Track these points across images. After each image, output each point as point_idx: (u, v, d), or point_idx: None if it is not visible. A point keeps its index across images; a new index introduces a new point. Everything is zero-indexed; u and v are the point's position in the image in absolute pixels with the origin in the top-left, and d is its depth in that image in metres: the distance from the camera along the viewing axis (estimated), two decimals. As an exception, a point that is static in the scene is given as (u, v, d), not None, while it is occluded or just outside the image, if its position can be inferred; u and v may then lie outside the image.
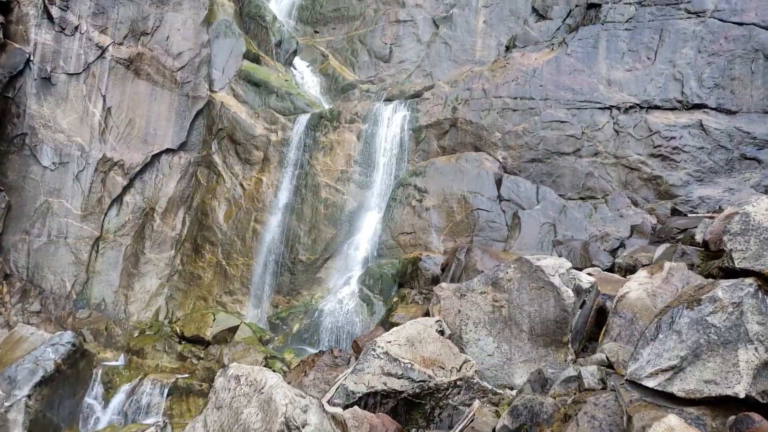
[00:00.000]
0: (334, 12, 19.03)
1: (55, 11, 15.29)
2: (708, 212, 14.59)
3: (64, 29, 15.27)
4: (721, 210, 13.83)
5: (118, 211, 15.34)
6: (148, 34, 16.06)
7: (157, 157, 15.98)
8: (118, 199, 15.53)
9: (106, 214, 15.16)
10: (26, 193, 14.84)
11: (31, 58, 15.15)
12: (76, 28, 15.38)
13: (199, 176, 16.31)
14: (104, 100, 15.60)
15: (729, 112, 15.48)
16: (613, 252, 14.99)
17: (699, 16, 16.89)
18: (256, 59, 17.33)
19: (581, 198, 15.45)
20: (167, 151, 16.09)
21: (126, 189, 15.58)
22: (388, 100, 17.07)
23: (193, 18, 16.45)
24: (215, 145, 16.35)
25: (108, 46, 15.66)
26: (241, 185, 16.01)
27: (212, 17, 16.90)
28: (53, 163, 14.97)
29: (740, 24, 16.15)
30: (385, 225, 14.97)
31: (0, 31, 14.87)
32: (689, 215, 14.80)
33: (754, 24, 16.09)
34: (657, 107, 16.22)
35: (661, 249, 12.37)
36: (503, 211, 15.15)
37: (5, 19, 15.05)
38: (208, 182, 16.21)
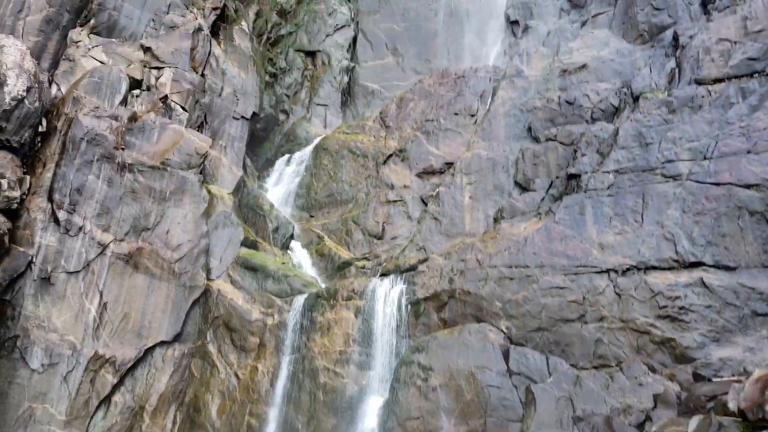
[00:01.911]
0: (327, 198, 19.06)
1: (62, 215, 15.07)
2: (733, 375, 12.79)
3: (68, 231, 14.84)
4: (746, 372, 12.12)
5: (105, 413, 13.68)
6: (149, 229, 15.71)
7: (150, 350, 14.74)
8: (107, 400, 13.89)
9: (91, 418, 13.38)
10: (10, 401, 13.26)
11: (34, 260, 14.49)
12: (80, 228, 15.00)
13: (192, 368, 14.92)
14: (101, 295, 14.72)
15: (728, 269, 14.42)
16: (640, 426, 12.95)
17: (676, 179, 16.48)
18: (253, 245, 16.84)
19: (594, 367, 13.81)
20: (161, 343, 14.88)
21: (115, 388, 14.11)
22: (384, 275, 16.35)
23: (193, 211, 16.24)
24: (210, 333, 15.18)
25: (109, 243, 15.13)
26: (236, 375, 14.54)
27: (212, 210, 16.72)
28: (42, 365, 13.62)
29: (717, 184, 15.61)
30: (389, 410, 13.13)
31: (6, 237, 14.25)
32: (714, 380, 12.93)
33: (730, 183, 15.50)
34: (654, 267, 15.28)
35: (694, 422, 10.56)
36: (515, 386, 13.43)
37: (12, 225, 14.61)
38: (201, 374, 14.74)
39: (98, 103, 17.05)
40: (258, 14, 24.01)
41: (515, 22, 23.54)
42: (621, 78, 18.66)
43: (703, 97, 17.00)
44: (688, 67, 17.76)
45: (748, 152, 15.62)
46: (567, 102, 18.71)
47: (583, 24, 21.27)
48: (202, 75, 19.49)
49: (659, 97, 17.57)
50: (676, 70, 18.15)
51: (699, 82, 17.32)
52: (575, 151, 17.89)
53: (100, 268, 15.01)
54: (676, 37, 18.64)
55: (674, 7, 19.56)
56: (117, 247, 15.45)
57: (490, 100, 19.84)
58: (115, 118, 16.99)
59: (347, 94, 24.23)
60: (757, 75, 16.67)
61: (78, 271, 14.91)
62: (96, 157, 16.23)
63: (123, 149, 16.61)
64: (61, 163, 15.82)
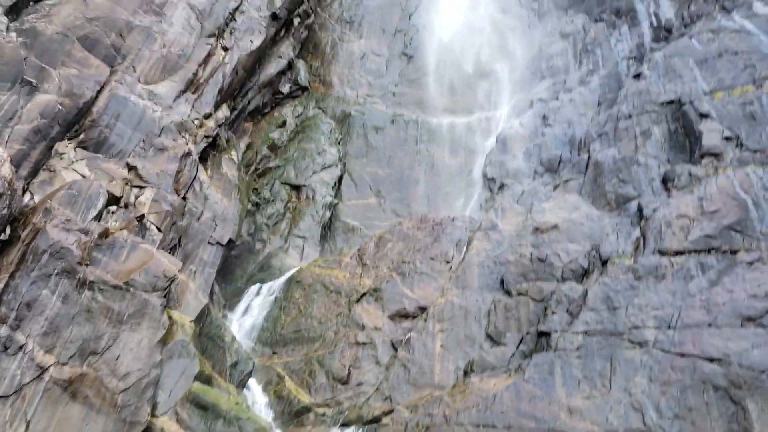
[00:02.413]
0: (294, 333, 18.28)
1: (3, 330, 13.69)
2: None
3: (7, 349, 13.49)
4: None
5: None
6: (97, 353, 14.51)
7: (71, 497, 12.59)
8: None
9: None
10: None
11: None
12: (21, 347, 13.65)
13: None
14: (27, 426, 12.96)
15: (696, 445, 13.71)
16: None
17: (642, 346, 16.49)
18: (208, 380, 15.66)
19: None
20: (85, 489, 12.78)
21: None
22: (345, 425, 15.03)
23: (150, 338, 15.17)
24: (145, 482, 13.25)
25: (50, 366, 13.73)
26: None
27: (169, 337, 15.71)
28: None
29: (682, 355, 15.56)
30: None
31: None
32: None
33: (694, 356, 15.45)
34: None
35: None
36: None
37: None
38: None
39: (71, 216, 16.49)
40: (249, 146, 24.81)
41: (492, 179, 24.72)
42: (590, 241, 19.23)
43: (666, 267, 17.56)
44: (652, 238, 18.50)
45: (709, 325, 15.89)
46: (539, 259, 19.02)
47: (556, 187, 22.41)
48: (184, 198, 19.38)
49: (626, 264, 18.08)
50: (641, 239, 18.89)
51: (662, 253, 17.98)
52: (546, 308, 17.88)
53: (32, 395, 13.42)
54: (640, 209, 19.67)
55: (638, 182, 20.83)
56: (57, 372, 13.99)
57: (465, 249, 20.10)
58: (86, 232, 16.35)
59: (327, 229, 24.40)
60: (714, 251, 17.42)
61: (7, 396, 13.28)
62: (56, 271, 15.29)
63: (87, 265, 15.77)
64: (16, 275, 14.80)
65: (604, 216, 20.05)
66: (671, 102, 22.37)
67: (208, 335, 17.25)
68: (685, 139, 21.44)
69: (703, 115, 21.12)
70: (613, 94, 25.06)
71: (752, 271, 16.56)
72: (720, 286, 16.65)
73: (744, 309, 15.55)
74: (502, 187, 23.88)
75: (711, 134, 20.55)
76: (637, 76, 24.24)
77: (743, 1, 25.18)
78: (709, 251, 17.55)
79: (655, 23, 27.71)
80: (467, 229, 20.71)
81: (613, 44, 27.62)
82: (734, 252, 17.08)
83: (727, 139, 20.38)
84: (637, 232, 19.32)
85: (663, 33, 27.05)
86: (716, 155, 20.15)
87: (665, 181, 20.59)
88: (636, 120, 22.41)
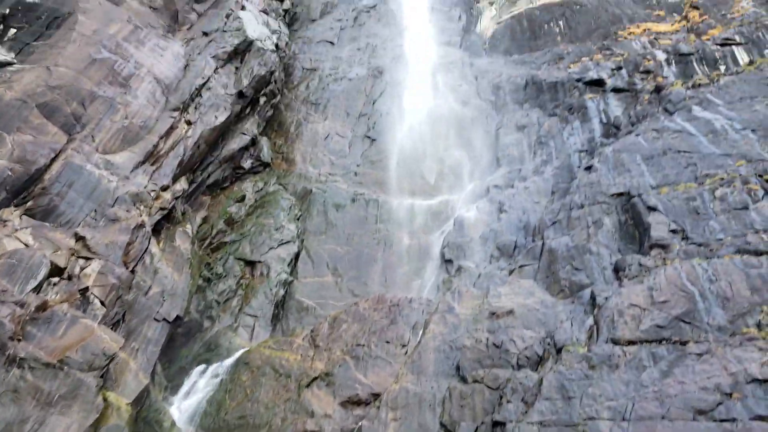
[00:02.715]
0: (239, 419, 17.47)
1: None
2: None
3: None
4: None
5: None
6: (19, 439, 13.29)
7: None
8: None
9: None
10: None
11: None
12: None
13: None
14: None
15: None
16: None
17: None
18: (142, 472, 14.45)
19: None
20: None
21: None
22: None
23: (80, 422, 14.34)
24: None
25: (-36, 454, 12.61)
26: None
27: (103, 421, 14.90)
28: None
29: None
30: None
31: None
32: None
33: None
34: None
35: None
36: None
37: None
38: None
39: (7, 287, 15.87)
40: (205, 219, 24.68)
41: (449, 261, 25.19)
42: (545, 328, 19.53)
43: (619, 356, 17.87)
44: (605, 326, 18.92)
45: (663, 418, 16.07)
46: (495, 345, 19.12)
47: (511, 272, 22.97)
48: (133, 271, 18.92)
49: (580, 352, 18.33)
50: (595, 327, 19.31)
51: (615, 342, 18.36)
52: (501, 397, 17.75)
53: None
54: (593, 297, 20.25)
55: (591, 270, 21.57)
56: (-29, 460, 12.91)
57: (422, 332, 20.03)
58: (22, 305, 15.69)
59: (280, 307, 23.94)
60: (665, 342, 17.92)
61: None
62: (-16, 346, 14.47)
63: (20, 340, 15.00)
64: (-59, 351, 13.95)
65: (558, 303, 20.53)
66: (621, 194, 23.69)
67: (146, 420, 16.28)
68: (635, 230, 22.52)
69: (651, 208, 22.33)
70: (566, 184, 26.45)
71: (701, 363, 16.95)
72: (671, 377, 16.95)
73: (695, 401, 15.85)
74: (459, 269, 24.30)
75: (659, 226, 21.68)
76: (589, 168, 25.77)
77: (683, 105, 27.55)
78: (660, 341, 18.03)
79: (604, 120, 29.90)
80: (424, 312, 20.76)
81: (565, 137, 29.51)
82: (684, 343, 17.58)
83: (674, 231, 21.52)
84: (590, 321, 19.76)
85: (612, 129, 29.16)
86: (664, 247, 21.14)
87: (617, 270, 21.38)
88: (588, 210, 23.58)
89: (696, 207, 21.91)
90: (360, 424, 17.20)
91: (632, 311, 19.06)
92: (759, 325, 17.38)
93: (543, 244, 23.23)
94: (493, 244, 24.74)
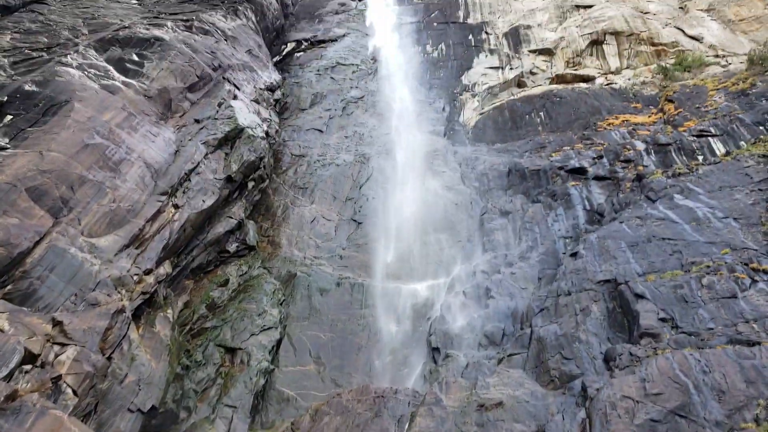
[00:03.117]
0: None
1: None
2: None
3: None
4: None
5: None
6: None
7: None
8: None
9: None
10: None
11: None
12: None
13: None
14: None
15: None
16: None
17: None
18: None
19: None
20: None
21: None
22: None
23: None
24: None
25: None
26: None
27: None
28: None
29: None
30: None
31: None
32: None
33: None
34: None
35: None
36: None
37: None
38: None
39: (-23, 375, 15.51)
40: (187, 304, 24.58)
41: (436, 349, 25.02)
42: (536, 421, 19.16)
43: (615, 454, 17.35)
44: (598, 420, 18.58)
45: None
46: (483, 443, 18.65)
47: (500, 361, 22.81)
48: (109, 358, 18.61)
49: (573, 452, 17.84)
50: (587, 421, 18.93)
51: (609, 437, 17.89)
52: None
53: None
54: (584, 388, 20.02)
55: (581, 359, 21.49)
56: None
57: (407, 426, 19.52)
58: (-9, 393, 15.26)
59: (260, 398, 23.30)
60: (663, 446, 17.48)
61: None
62: (-54, 439, 13.95)
63: (-16, 433, 14.49)
64: None
65: (549, 394, 20.25)
66: (608, 281, 24.03)
67: None
68: (624, 318, 22.61)
69: (639, 296, 22.57)
70: (552, 270, 26.90)
71: None
72: None
73: None
74: (446, 357, 24.09)
75: (647, 314, 21.82)
76: (574, 254, 26.34)
77: (665, 193, 28.62)
78: (656, 441, 17.66)
79: (588, 207, 30.91)
80: (410, 404, 20.33)
81: (550, 224, 30.34)
82: (682, 448, 17.29)
83: (663, 320, 21.65)
84: (582, 413, 19.40)
85: (596, 216, 30.08)
86: (654, 336, 21.18)
87: (607, 360, 21.27)
88: (575, 297, 23.84)
89: (684, 295, 22.16)
90: None
91: (625, 404, 18.78)
92: (757, 420, 17.15)
93: (531, 332, 23.27)
94: (480, 332, 24.71)
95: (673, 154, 32.49)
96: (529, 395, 20.14)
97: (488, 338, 24.47)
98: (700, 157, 31.69)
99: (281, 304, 27.11)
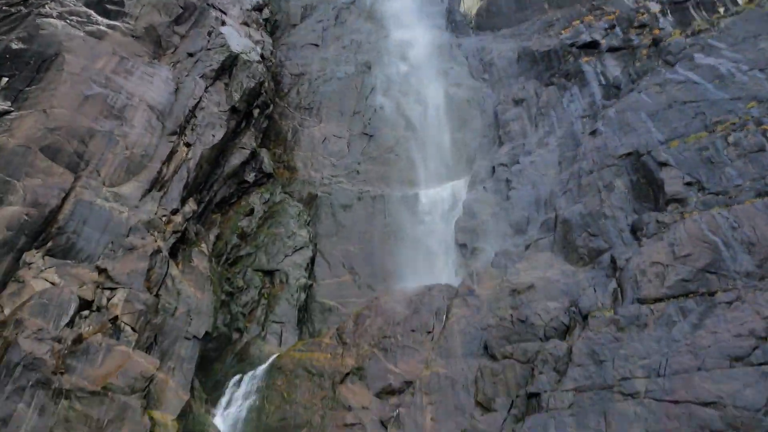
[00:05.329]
0: (280, 422, 19.64)
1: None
2: None
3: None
4: None
5: None
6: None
7: None
8: None
9: None
10: None
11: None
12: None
13: None
14: None
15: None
16: None
17: (634, 397, 17.44)
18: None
19: None
20: None
21: None
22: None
23: (132, 439, 16.16)
24: None
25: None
26: None
27: (153, 439, 16.68)
28: None
29: (676, 402, 16.82)
30: None
31: None
32: None
33: (688, 401, 16.72)
34: None
35: None
36: None
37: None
38: None
39: (43, 325, 17.96)
40: (219, 237, 26.86)
41: (463, 245, 27.00)
42: (568, 297, 21.17)
43: (647, 315, 19.31)
44: (629, 288, 20.43)
45: (699, 369, 17.29)
46: (520, 320, 20.84)
47: (527, 247, 24.66)
48: (157, 295, 21.01)
49: (606, 316, 19.83)
50: (619, 290, 20.84)
51: (641, 302, 19.84)
52: (532, 369, 19.38)
53: None
54: (613, 260, 21.79)
55: (608, 234, 23.10)
56: None
57: (445, 317, 21.83)
58: (59, 340, 17.78)
59: (304, 311, 26.14)
60: (692, 295, 19.30)
61: None
62: (30, 383, 16.57)
63: (62, 373, 17.07)
64: (-10, 391, 16.01)
65: (579, 271, 22.15)
66: (629, 154, 25.12)
67: (191, 432, 18.37)
68: (648, 188, 23.87)
69: (662, 164, 23.69)
70: (572, 153, 28.06)
71: (732, 311, 18.25)
72: (703, 329, 18.25)
73: (730, 349, 17.24)
74: (474, 251, 26.13)
75: (672, 181, 23.04)
76: (593, 132, 27.35)
77: (684, 54, 28.95)
78: (687, 295, 19.38)
79: (603, 82, 31.46)
80: (445, 297, 22.59)
81: (566, 105, 31.13)
82: (712, 294, 18.98)
83: (689, 184, 22.86)
84: (613, 284, 21.26)
85: (613, 90, 30.71)
86: (680, 201, 22.50)
87: (634, 230, 22.86)
88: (597, 175, 25.14)
89: (709, 156, 23.14)
90: (397, 411, 19.05)
91: (655, 269, 20.43)
92: (790, 269, 18.54)
93: (556, 216, 24.84)
94: (505, 223, 26.46)
95: (692, 10, 32.34)
96: (560, 274, 22.06)
97: (514, 227, 26.20)
98: (722, 9, 31.50)
99: (308, 224, 29.33)
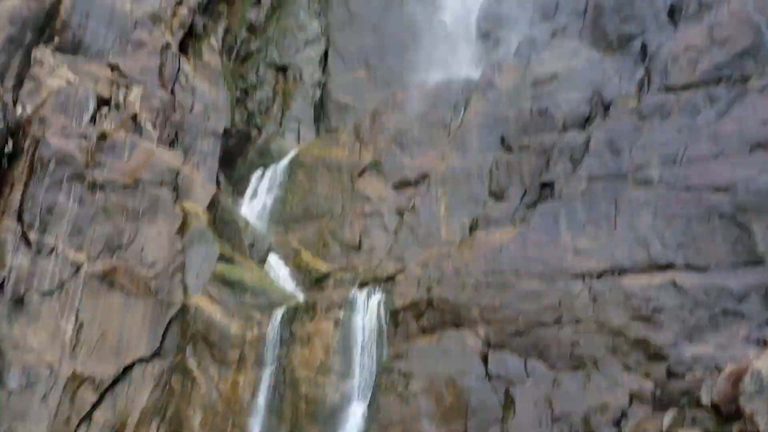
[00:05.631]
0: (303, 211, 21.03)
1: (33, 235, 16.42)
2: (705, 371, 14.44)
3: (40, 251, 16.21)
4: (718, 368, 13.74)
5: (87, 430, 14.81)
6: (123, 247, 17.16)
7: (129, 368, 16.13)
8: (87, 417, 15.44)
9: (73, 436, 14.63)
10: (-14, 423, 14.35)
11: (6, 282, 15.79)
12: (53, 249, 16.37)
13: (173, 383, 16.39)
14: (77, 316, 16.13)
15: (699, 269, 16.05)
16: (617, 423, 14.61)
17: (647, 185, 17.76)
18: (230, 260, 18.55)
19: (571, 368, 15.44)
20: (140, 360, 16.31)
21: (96, 405, 15.60)
22: (362, 285, 17.96)
23: (168, 229, 17.80)
24: (190, 349, 16.76)
25: (83, 263, 16.54)
26: (217, 388, 16.03)
27: (186, 226, 18.39)
28: (20, 385, 14.88)
29: (688, 188, 17.20)
30: (371, 417, 14.70)
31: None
32: (686, 376, 14.67)
33: (700, 187, 17.06)
34: (628, 271, 16.60)
35: (669, 417, 12.40)
36: (494, 389, 15.02)
37: (-19, 247, 15.90)
38: (182, 389, 16.28)
39: (66, 123, 18.55)
40: (227, 30, 26.00)
41: (486, 35, 25.83)
42: (592, 86, 20.72)
43: (672, 104, 18.96)
44: (657, 75, 19.86)
45: (716, 156, 17.39)
46: (539, 111, 20.73)
47: (554, 34, 23.53)
48: (172, 92, 21.20)
49: (629, 106, 19.57)
50: (646, 79, 20.28)
51: (668, 89, 19.36)
52: (548, 160, 19.77)
53: (74, 288, 16.33)
54: (644, 46, 20.88)
55: (642, 18, 21.82)
56: (91, 267, 16.80)
57: (462, 111, 21.84)
58: (84, 137, 18.49)
59: (320, 108, 26.26)
60: (723, 81, 18.69)
61: (52, 292, 16.20)
62: (66, 177, 17.69)
63: (94, 168, 18.08)
64: (30, 184, 17.25)
65: (606, 58, 21.34)
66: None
67: (222, 220, 19.86)
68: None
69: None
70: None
71: (764, 97, 17.66)
72: (728, 116, 17.86)
73: (753, 135, 17.02)
74: (497, 40, 25.08)
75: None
76: None
77: None
78: (718, 82, 18.77)
79: None
80: (463, 91, 22.30)
81: None
82: (745, 80, 18.24)
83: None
84: (641, 72, 20.60)
85: None
86: (726, -23, 20.68)
87: (672, 13, 21.51)
88: (636, -49, 22.88)
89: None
90: (413, 201, 20.17)
91: (688, 54, 19.45)
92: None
93: (587, -3, 23.29)
94: (531, 7, 24.89)
95: None
96: (585, 62, 21.29)
97: (540, 13, 24.70)
98: None
99: (319, 15, 28.03)
